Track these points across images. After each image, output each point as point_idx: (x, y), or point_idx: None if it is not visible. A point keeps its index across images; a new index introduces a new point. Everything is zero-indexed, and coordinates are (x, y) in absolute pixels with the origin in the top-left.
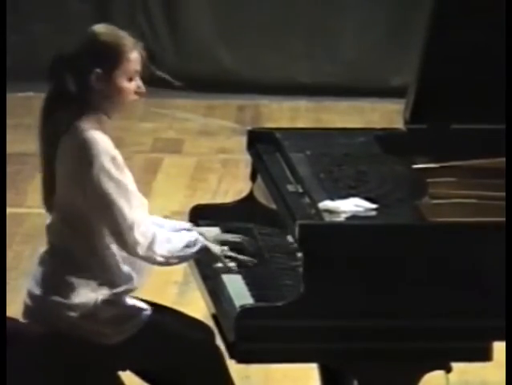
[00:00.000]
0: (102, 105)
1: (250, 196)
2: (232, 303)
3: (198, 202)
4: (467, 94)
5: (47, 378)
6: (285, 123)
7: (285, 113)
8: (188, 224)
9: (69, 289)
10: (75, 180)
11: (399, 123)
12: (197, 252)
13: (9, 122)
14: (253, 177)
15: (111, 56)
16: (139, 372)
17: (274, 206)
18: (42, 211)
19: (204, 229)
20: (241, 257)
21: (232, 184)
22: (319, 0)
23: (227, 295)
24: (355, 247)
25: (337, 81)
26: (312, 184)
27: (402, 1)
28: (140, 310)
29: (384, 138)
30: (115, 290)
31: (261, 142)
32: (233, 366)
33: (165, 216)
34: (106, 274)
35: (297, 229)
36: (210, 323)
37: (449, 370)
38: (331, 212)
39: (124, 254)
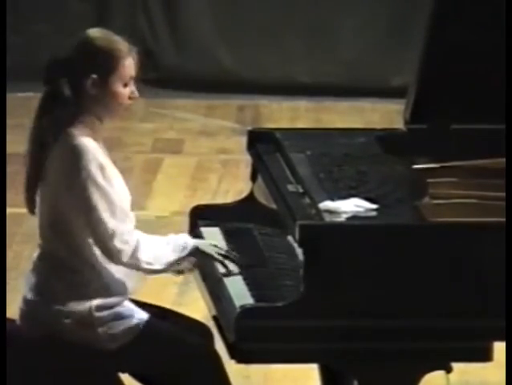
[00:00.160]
0: (95, 110)
1: (251, 197)
2: (232, 303)
3: (198, 202)
4: (467, 94)
5: (44, 381)
6: (285, 124)
7: (285, 113)
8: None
9: (63, 295)
10: (63, 186)
11: (399, 124)
12: (188, 255)
13: (9, 122)
14: (253, 177)
15: (108, 62)
16: (136, 376)
17: (274, 206)
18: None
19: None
20: (233, 254)
21: (232, 185)
22: (319, 0)
23: (227, 295)
24: (355, 247)
25: (337, 81)
26: (312, 184)
27: (402, 1)
28: (137, 315)
29: (385, 138)
30: (109, 299)
31: (261, 142)
32: (233, 366)
33: (165, 217)
34: (98, 281)
35: (297, 230)
36: (210, 323)
37: (449, 370)
38: (331, 212)
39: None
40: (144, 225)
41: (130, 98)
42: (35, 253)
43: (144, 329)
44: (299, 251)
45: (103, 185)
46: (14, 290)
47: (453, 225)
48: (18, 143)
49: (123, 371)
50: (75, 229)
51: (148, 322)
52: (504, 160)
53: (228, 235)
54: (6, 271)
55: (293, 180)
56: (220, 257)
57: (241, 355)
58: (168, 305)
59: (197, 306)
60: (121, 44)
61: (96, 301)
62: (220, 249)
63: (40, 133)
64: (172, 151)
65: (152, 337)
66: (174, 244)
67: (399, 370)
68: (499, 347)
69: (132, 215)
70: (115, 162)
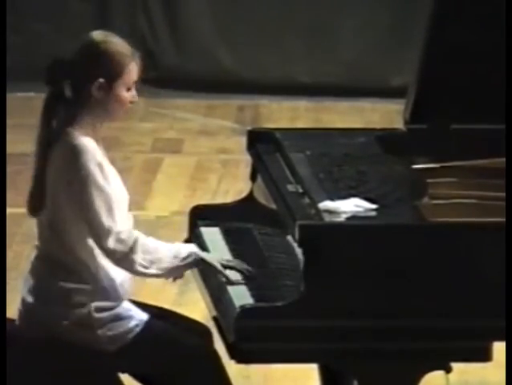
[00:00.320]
0: (97, 112)
1: (250, 197)
2: (232, 303)
3: (198, 202)
4: (467, 94)
5: (44, 382)
6: (285, 124)
7: (285, 113)
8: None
9: (61, 297)
10: (62, 185)
11: (399, 124)
12: (189, 264)
13: (9, 122)
14: (253, 177)
15: (114, 67)
16: (136, 376)
17: (274, 206)
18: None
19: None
20: (239, 266)
21: (232, 184)
22: (319, 0)
23: (227, 295)
24: (354, 247)
25: (337, 81)
26: (312, 184)
27: (402, 1)
28: (136, 316)
29: (384, 138)
30: (108, 302)
31: (261, 142)
32: (233, 366)
33: (165, 216)
34: (95, 283)
35: (297, 229)
36: (210, 324)
37: (448, 370)
38: (330, 212)
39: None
40: (144, 225)
41: (131, 102)
42: (33, 255)
43: (143, 330)
44: (299, 251)
45: (102, 184)
46: (14, 290)
47: (452, 225)
48: (17, 143)
49: (123, 372)
50: (73, 229)
51: (147, 323)
52: (504, 159)
53: (227, 235)
54: (6, 271)
55: (293, 180)
56: (225, 272)
57: (241, 355)
58: (167, 306)
59: (196, 307)
60: (127, 49)
61: (95, 303)
62: (227, 261)
63: (45, 134)
64: (172, 150)
65: (152, 338)
66: (177, 251)
67: (399, 370)
68: (499, 347)
69: (130, 215)
70: (114, 162)
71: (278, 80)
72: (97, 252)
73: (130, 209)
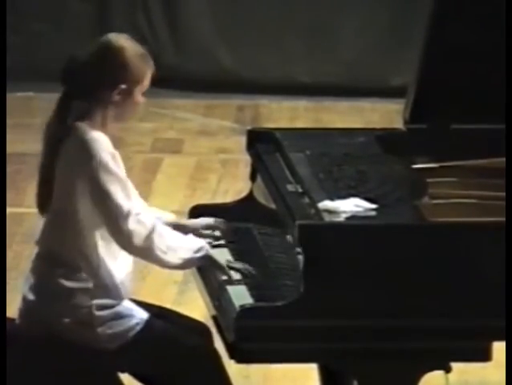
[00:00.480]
0: (111, 113)
1: (250, 196)
2: (232, 303)
3: (198, 202)
4: (467, 94)
5: (44, 381)
6: (284, 123)
7: (284, 113)
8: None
9: (63, 294)
10: (73, 176)
11: (399, 123)
12: (200, 258)
13: (9, 122)
14: (252, 177)
15: (137, 74)
16: (136, 375)
17: (273, 206)
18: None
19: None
20: (244, 268)
21: (231, 184)
22: (319, 0)
23: (227, 295)
24: (354, 247)
25: (337, 81)
26: (312, 184)
27: (402, 1)
28: (136, 315)
29: (384, 138)
30: (108, 300)
31: (260, 142)
32: (232, 366)
33: None
34: (96, 280)
35: (296, 229)
36: (209, 323)
37: (448, 370)
38: (330, 212)
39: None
40: None
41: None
42: (34, 253)
43: (143, 329)
44: (299, 251)
45: (116, 171)
46: (14, 290)
47: (452, 225)
48: (17, 143)
49: (123, 371)
50: (81, 223)
51: (147, 322)
52: (504, 159)
53: None
54: (6, 271)
55: (292, 179)
56: (229, 272)
57: (241, 355)
58: (167, 305)
59: (196, 306)
60: (145, 55)
61: (96, 301)
62: (233, 263)
63: (56, 130)
64: (172, 150)
65: (152, 337)
66: (190, 243)
67: (398, 370)
68: (499, 347)
69: (143, 201)
70: None
71: (278, 80)
72: (101, 249)
73: None
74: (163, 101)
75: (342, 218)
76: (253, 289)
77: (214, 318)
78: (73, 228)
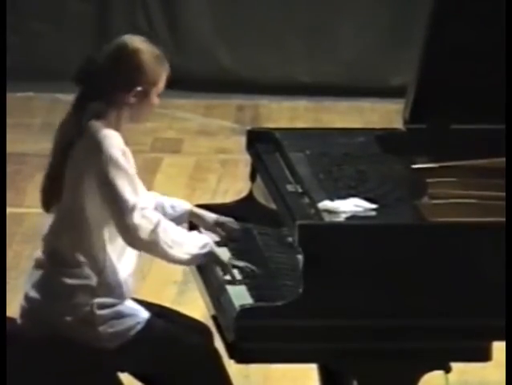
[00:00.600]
0: (126, 114)
1: (250, 196)
2: (231, 303)
3: (197, 202)
4: (467, 94)
5: (44, 380)
6: (284, 123)
7: (284, 113)
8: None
9: (65, 293)
10: (83, 171)
11: (398, 123)
12: (204, 255)
13: (9, 122)
14: (252, 177)
15: (153, 77)
16: (137, 375)
17: (273, 206)
18: (42, 211)
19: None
20: (247, 266)
21: (231, 184)
22: (319, 0)
23: (227, 295)
24: (354, 247)
25: (337, 81)
26: (312, 184)
27: (402, 1)
28: (137, 314)
29: (384, 138)
30: (111, 298)
31: (260, 142)
32: (232, 366)
33: None
34: (100, 278)
35: (296, 229)
36: (209, 323)
37: (448, 370)
38: (330, 212)
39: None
40: None
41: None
42: (39, 250)
43: (144, 328)
44: (299, 251)
45: (125, 167)
46: (14, 290)
47: (452, 225)
48: (17, 143)
49: (124, 370)
50: (88, 220)
51: (148, 321)
52: (503, 159)
53: None
54: (6, 271)
55: (292, 179)
56: (232, 271)
57: (241, 355)
58: (167, 305)
59: (196, 306)
60: (161, 57)
61: (98, 299)
62: (236, 261)
63: (70, 129)
64: (172, 150)
65: (153, 336)
66: (195, 238)
67: (398, 370)
68: (498, 347)
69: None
70: None
71: (278, 80)
72: (109, 247)
73: None
74: (162, 101)
75: (342, 218)
76: (253, 289)
77: (214, 318)
78: (80, 227)
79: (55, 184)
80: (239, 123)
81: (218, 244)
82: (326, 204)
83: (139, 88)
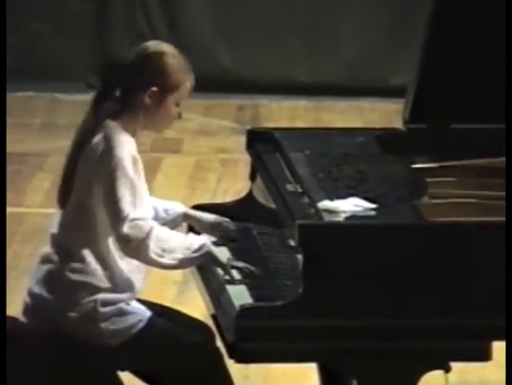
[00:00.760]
0: (142, 119)
1: (250, 196)
2: (231, 303)
3: (197, 202)
4: (467, 93)
5: (46, 378)
6: (284, 123)
7: (284, 113)
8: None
9: (70, 288)
10: (93, 173)
11: (398, 123)
12: (201, 256)
13: (9, 121)
14: (252, 177)
15: (172, 80)
16: (137, 373)
17: (273, 206)
18: (42, 210)
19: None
20: (246, 267)
21: (231, 184)
22: (319, 0)
23: (227, 295)
24: (354, 247)
25: (337, 81)
26: (311, 183)
27: (402, 1)
28: (139, 312)
29: (384, 138)
30: (115, 295)
31: (260, 141)
32: (232, 366)
33: None
34: (105, 276)
35: (296, 229)
36: (209, 323)
37: (448, 369)
38: (330, 211)
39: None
40: None
41: (175, 117)
42: (46, 245)
43: (146, 326)
44: (298, 250)
45: (131, 174)
46: (14, 290)
47: (452, 225)
48: (17, 143)
49: (125, 369)
50: (96, 218)
51: (150, 320)
52: (503, 159)
53: None
54: (6, 270)
55: (292, 179)
56: (231, 271)
57: (241, 355)
58: (167, 305)
59: (196, 306)
60: (186, 66)
61: (101, 296)
62: (234, 261)
63: (86, 127)
64: (171, 150)
65: (154, 334)
66: (190, 243)
67: (398, 369)
68: (498, 346)
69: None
70: None
71: (278, 80)
72: (113, 245)
73: None
74: None
75: (341, 218)
76: (253, 289)
77: (214, 318)
78: (88, 224)
79: (69, 182)
80: (239, 123)
81: (217, 244)
82: (325, 203)
83: (154, 88)
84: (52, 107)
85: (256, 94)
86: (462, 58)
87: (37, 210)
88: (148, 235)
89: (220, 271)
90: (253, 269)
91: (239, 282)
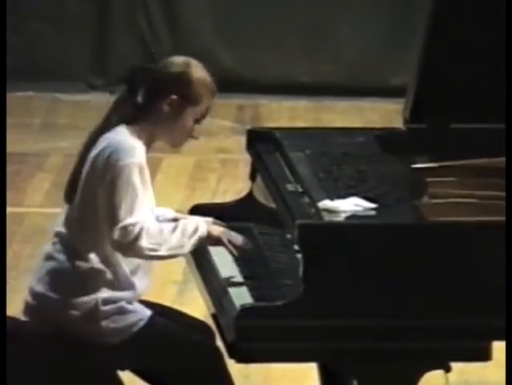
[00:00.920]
0: (158, 128)
1: (250, 196)
2: (232, 303)
3: (198, 202)
4: (467, 93)
5: (46, 377)
6: (284, 123)
7: (284, 112)
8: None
9: (71, 287)
10: (98, 175)
11: (398, 123)
12: (198, 239)
13: (9, 121)
14: (252, 177)
15: (193, 93)
16: (138, 372)
17: (273, 206)
18: (42, 210)
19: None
20: (243, 242)
21: (231, 184)
22: (319, 0)
23: (227, 295)
24: (354, 247)
25: (337, 81)
26: (312, 183)
27: (402, 1)
28: (140, 311)
29: (384, 137)
30: (116, 293)
31: (260, 141)
32: (232, 366)
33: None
34: (108, 274)
35: (296, 229)
36: (210, 322)
37: (448, 369)
38: (330, 211)
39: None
40: None
41: (192, 135)
42: (47, 246)
43: (146, 325)
44: (298, 250)
45: (135, 183)
46: (14, 290)
47: (452, 225)
48: (17, 143)
49: (125, 368)
50: (100, 222)
51: (150, 319)
52: (503, 159)
53: None
54: (6, 270)
55: (292, 179)
56: (229, 245)
57: (241, 355)
58: (167, 305)
59: (196, 306)
60: (210, 84)
61: (103, 295)
62: (229, 234)
63: (102, 126)
64: (171, 150)
65: (155, 333)
66: (183, 229)
67: (398, 369)
68: (498, 346)
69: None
70: None
71: (278, 80)
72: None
73: None
74: None
75: (342, 218)
76: (254, 289)
77: (214, 317)
78: (91, 223)
79: (78, 178)
80: (239, 123)
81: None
82: (326, 203)
83: (174, 97)
84: (52, 107)
85: (256, 94)
86: (462, 58)
87: (37, 210)
88: (137, 238)
89: (221, 271)
90: (247, 240)
91: (239, 284)
